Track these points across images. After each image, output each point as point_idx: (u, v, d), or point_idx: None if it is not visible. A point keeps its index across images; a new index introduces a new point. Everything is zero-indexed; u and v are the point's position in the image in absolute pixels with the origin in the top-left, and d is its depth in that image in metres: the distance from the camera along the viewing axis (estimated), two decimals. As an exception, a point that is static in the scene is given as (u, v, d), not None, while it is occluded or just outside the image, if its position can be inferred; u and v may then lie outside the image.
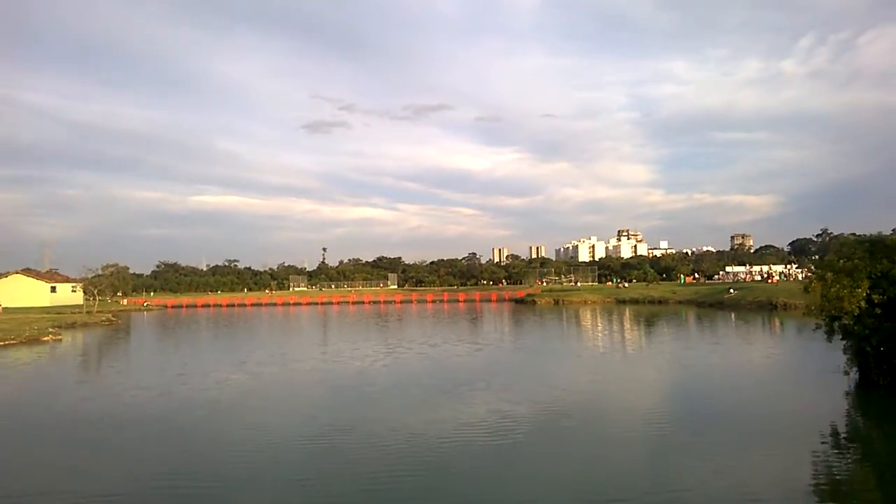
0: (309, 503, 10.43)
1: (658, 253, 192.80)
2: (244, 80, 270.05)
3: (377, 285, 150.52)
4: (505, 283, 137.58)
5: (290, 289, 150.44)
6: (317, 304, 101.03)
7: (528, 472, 11.75)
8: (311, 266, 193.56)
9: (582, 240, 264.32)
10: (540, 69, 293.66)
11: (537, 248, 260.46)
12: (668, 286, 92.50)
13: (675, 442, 13.63)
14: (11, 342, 38.89)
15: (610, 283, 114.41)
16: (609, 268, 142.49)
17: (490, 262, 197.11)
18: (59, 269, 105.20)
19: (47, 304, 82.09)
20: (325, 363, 27.86)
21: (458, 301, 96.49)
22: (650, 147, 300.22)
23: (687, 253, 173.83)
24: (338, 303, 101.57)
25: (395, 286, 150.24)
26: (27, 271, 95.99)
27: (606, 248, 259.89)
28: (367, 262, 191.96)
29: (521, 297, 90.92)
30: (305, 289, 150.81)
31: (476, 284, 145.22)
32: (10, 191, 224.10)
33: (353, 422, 15.79)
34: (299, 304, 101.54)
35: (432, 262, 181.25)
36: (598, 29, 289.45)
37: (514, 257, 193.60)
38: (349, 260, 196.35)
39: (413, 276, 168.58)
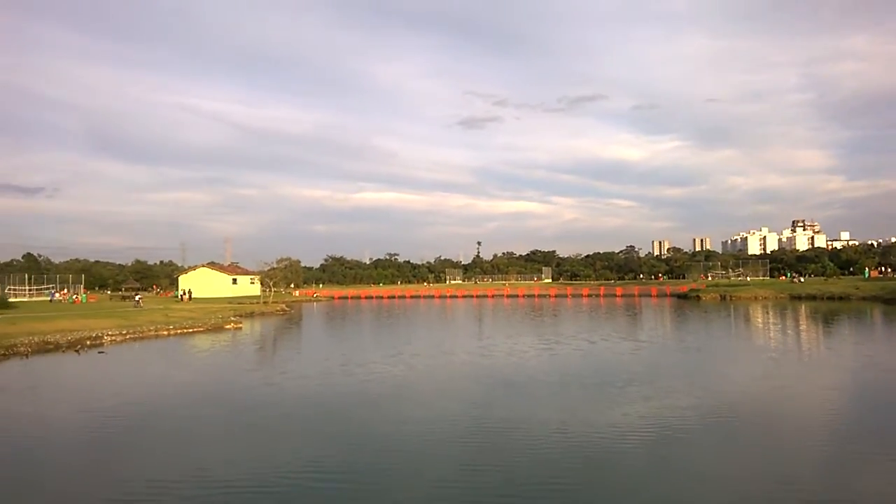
0: (462, 498, 10.34)
1: (838, 245, 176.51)
2: (400, 80, 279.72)
3: (531, 279, 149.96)
4: (665, 278, 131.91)
5: (447, 282, 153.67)
6: (472, 297, 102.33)
7: (695, 474, 11.02)
8: (466, 259, 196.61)
9: (752, 231, 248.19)
10: (700, 53, 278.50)
11: (701, 240, 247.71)
12: (849, 281, 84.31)
13: (852, 451, 12.22)
14: (199, 329, 42.71)
15: (783, 277, 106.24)
16: (782, 261, 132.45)
17: (649, 255, 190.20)
18: (239, 263, 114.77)
19: (229, 295, 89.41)
20: (481, 356, 27.94)
21: (614, 295, 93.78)
22: (827, 130, 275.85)
23: (872, 245, 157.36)
24: (492, 296, 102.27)
25: (549, 280, 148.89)
26: (212, 264, 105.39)
27: (779, 239, 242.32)
28: (520, 255, 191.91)
29: (683, 293, 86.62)
30: (461, 282, 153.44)
31: (634, 279, 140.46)
32: (197, 191, 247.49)
33: (508, 417, 15.61)
34: (455, 296, 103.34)
35: (588, 256, 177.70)
36: (762, 7, 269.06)
37: (676, 250, 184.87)
38: (503, 253, 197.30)
39: (568, 269, 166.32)
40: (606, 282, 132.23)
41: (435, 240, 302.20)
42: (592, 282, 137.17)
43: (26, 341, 30.58)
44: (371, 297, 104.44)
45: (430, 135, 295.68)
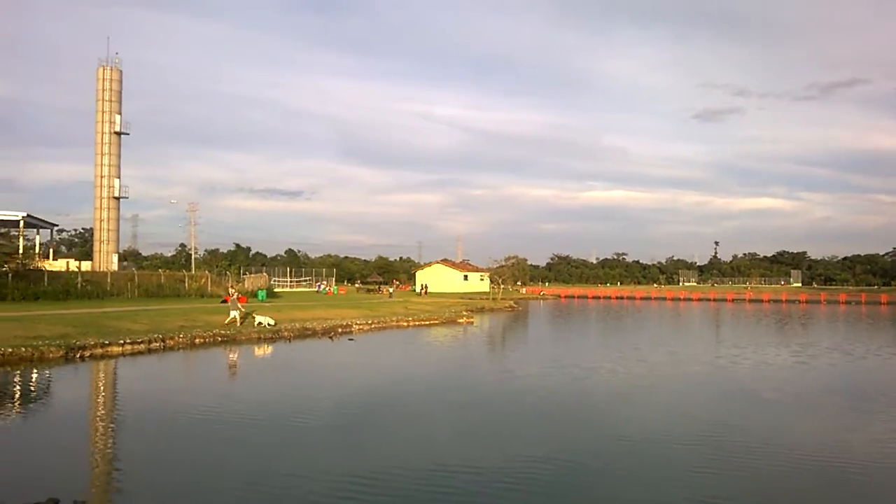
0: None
1: None
2: (628, 75, 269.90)
3: (777, 282, 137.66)
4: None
5: (680, 283, 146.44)
6: (709, 300, 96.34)
7: None
8: (701, 260, 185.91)
9: None
10: None
11: None
12: None
13: None
14: (435, 322, 45.01)
15: None
16: None
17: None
18: (470, 260, 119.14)
19: (460, 291, 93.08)
20: (718, 366, 26.01)
21: (878, 303, 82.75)
22: None
23: None
24: (732, 300, 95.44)
25: (799, 284, 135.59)
26: (445, 261, 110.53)
27: None
28: (764, 256, 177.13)
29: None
30: (695, 284, 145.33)
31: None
32: (432, 193, 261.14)
33: (746, 428, 14.27)
34: (690, 299, 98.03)
35: (845, 258, 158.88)
36: None
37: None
38: (744, 254, 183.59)
39: (821, 273, 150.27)
40: (869, 288, 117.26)
41: (667, 239, 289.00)
42: (851, 287, 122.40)
43: (289, 327, 34.33)
44: (598, 298, 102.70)
45: (661, 130, 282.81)
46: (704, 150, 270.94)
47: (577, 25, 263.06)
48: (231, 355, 27.20)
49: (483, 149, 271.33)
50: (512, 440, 13.36)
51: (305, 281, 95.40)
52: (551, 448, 12.60)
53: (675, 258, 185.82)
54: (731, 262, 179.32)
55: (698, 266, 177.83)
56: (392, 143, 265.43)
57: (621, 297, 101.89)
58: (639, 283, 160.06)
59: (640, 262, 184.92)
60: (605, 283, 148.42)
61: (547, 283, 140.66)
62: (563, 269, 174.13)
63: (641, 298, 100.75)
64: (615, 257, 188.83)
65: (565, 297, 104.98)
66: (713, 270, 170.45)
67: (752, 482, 10.77)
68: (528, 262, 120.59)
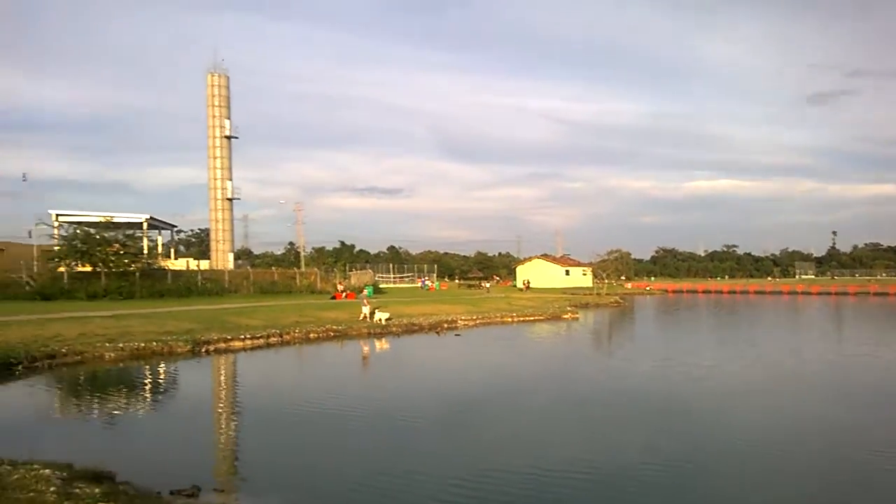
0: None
1: None
2: (730, 59, 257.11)
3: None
4: None
5: (796, 276, 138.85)
6: (829, 293, 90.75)
7: None
8: (818, 251, 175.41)
9: None
10: None
11: None
12: None
13: None
14: (539, 318, 44.62)
15: None
16: None
17: None
18: (570, 254, 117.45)
19: (562, 286, 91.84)
20: (844, 362, 24.35)
21: None
22: None
23: None
24: (854, 293, 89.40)
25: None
26: (545, 256, 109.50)
27: None
28: (888, 246, 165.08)
29: None
30: (813, 276, 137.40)
31: None
32: (529, 187, 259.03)
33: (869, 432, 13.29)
34: (808, 293, 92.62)
35: None
36: None
37: None
38: (865, 244, 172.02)
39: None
40: None
41: (779, 230, 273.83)
42: None
43: (396, 322, 34.95)
44: (709, 292, 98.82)
45: (769, 115, 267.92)
46: (818, 135, 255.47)
47: (676, 7, 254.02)
48: (347, 349, 28.02)
49: (580, 140, 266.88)
50: (622, 440, 13.03)
51: (408, 277, 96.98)
52: (662, 450, 12.15)
53: (789, 249, 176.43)
54: (850, 252, 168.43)
55: (815, 258, 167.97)
56: (488, 138, 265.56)
57: (733, 291, 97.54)
58: (751, 276, 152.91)
59: (752, 253, 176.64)
60: (715, 277, 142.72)
61: (652, 278, 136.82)
62: (670, 263, 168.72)
63: (755, 292, 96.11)
64: (724, 249, 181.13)
65: (673, 291, 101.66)
66: (832, 262, 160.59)
67: (879, 491, 10.03)
68: (632, 256, 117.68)
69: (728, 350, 28.53)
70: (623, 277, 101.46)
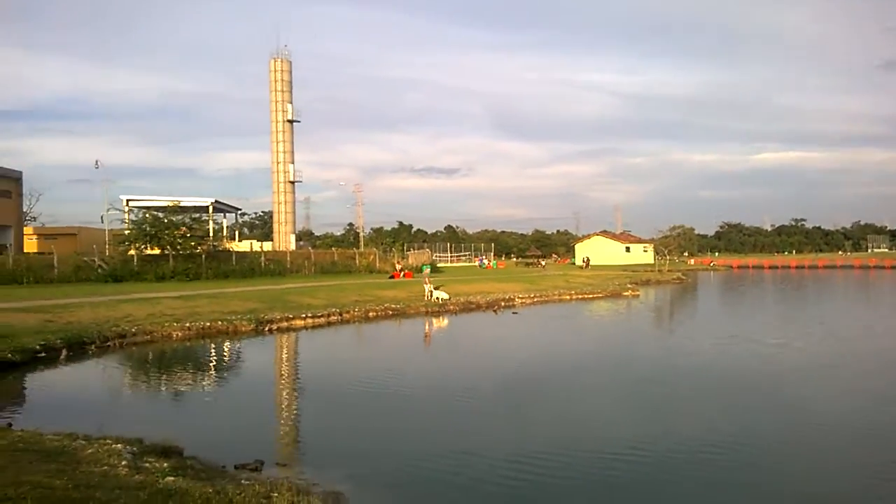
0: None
1: None
2: (800, 24, 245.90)
3: None
4: None
5: (868, 250, 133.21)
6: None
7: None
8: (892, 224, 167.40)
9: None
10: None
11: None
12: None
13: None
14: (598, 295, 44.07)
15: None
16: None
17: None
18: (631, 231, 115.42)
19: (622, 263, 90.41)
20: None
21: None
22: None
23: None
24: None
25: None
26: (604, 233, 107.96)
27: None
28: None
29: None
30: (886, 250, 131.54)
31: None
32: (584, 163, 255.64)
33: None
34: (881, 266, 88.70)
35: None
36: None
37: None
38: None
39: None
40: None
41: (851, 202, 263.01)
42: None
43: (453, 301, 35.05)
44: (776, 267, 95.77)
45: (838, 84, 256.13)
46: (890, 104, 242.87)
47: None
48: (405, 327, 28.30)
49: (638, 114, 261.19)
50: (683, 421, 12.65)
51: (465, 256, 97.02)
52: (725, 433, 11.69)
53: (862, 222, 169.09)
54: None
55: (889, 230, 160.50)
56: (544, 115, 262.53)
57: (801, 266, 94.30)
58: (820, 250, 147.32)
59: (822, 227, 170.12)
60: (783, 252, 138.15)
61: (716, 253, 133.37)
62: (734, 238, 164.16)
63: (825, 267, 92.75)
64: (792, 223, 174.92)
65: (738, 267, 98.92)
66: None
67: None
68: (695, 232, 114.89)
69: (796, 327, 27.63)
70: (686, 253, 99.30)
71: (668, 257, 79.00)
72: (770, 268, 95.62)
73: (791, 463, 10.21)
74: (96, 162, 57.56)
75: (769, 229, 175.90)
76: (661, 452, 10.45)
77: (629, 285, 49.43)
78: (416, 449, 10.79)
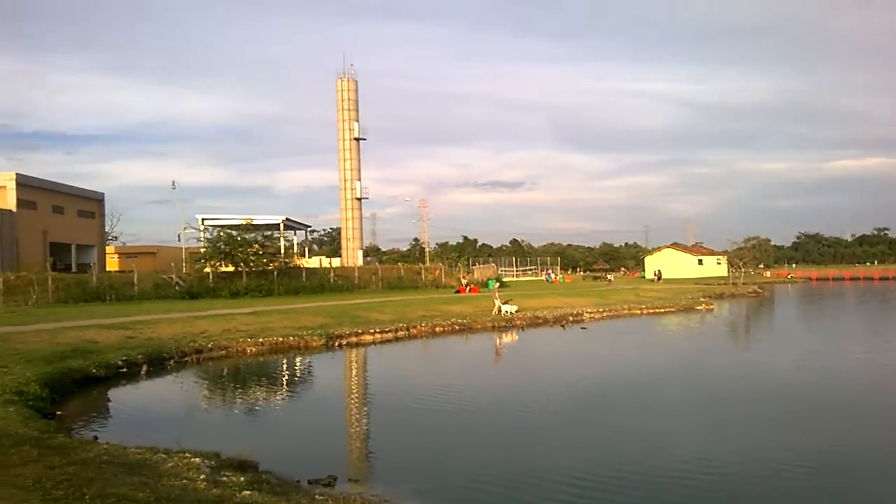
0: None
1: None
2: (871, 26, 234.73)
3: None
4: None
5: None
6: None
7: None
8: None
9: None
10: None
11: None
12: None
13: None
14: (670, 309, 42.90)
15: None
16: None
17: None
18: (703, 243, 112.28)
19: (695, 276, 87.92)
20: None
21: None
22: None
23: None
24: None
25: None
26: (675, 245, 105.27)
27: None
28: None
29: None
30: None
31: None
32: (654, 174, 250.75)
33: None
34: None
35: None
36: None
37: None
38: None
39: None
40: None
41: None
42: None
43: (521, 316, 34.78)
44: (857, 279, 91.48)
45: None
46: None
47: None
48: (472, 342, 28.25)
49: (706, 123, 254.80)
50: (756, 442, 11.99)
51: (530, 270, 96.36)
52: (801, 456, 11.13)
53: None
54: None
55: None
56: (608, 126, 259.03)
57: (885, 278, 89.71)
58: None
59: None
60: (864, 263, 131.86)
61: (794, 265, 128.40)
62: (813, 249, 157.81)
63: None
64: (875, 233, 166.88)
65: (817, 279, 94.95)
66: None
67: None
68: (771, 243, 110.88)
69: (881, 342, 26.23)
70: (762, 266, 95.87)
71: (742, 270, 76.39)
72: (851, 279, 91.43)
73: (876, 485, 9.64)
74: (173, 182, 60.06)
75: (849, 239, 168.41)
76: (729, 475, 10.03)
77: (703, 299, 48.01)
78: (485, 465, 10.68)
